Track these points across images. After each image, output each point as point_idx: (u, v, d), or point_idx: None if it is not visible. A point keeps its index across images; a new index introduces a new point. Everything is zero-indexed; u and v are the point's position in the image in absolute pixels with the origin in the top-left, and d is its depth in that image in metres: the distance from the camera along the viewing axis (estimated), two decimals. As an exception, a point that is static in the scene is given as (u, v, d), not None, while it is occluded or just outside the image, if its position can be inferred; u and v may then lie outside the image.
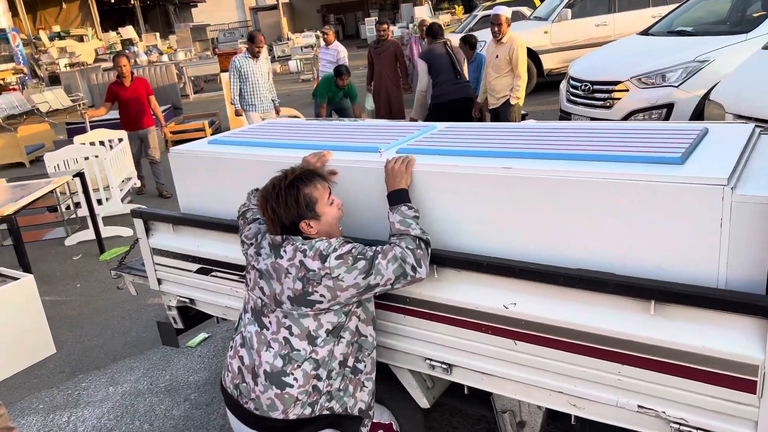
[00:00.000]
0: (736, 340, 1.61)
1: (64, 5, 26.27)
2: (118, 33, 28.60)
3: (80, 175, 5.76)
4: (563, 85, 7.39)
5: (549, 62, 11.14)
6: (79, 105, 16.55)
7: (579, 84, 6.87)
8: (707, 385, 1.67)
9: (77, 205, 6.25)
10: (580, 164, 1.92)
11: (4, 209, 4.41)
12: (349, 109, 8.34)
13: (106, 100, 7.52)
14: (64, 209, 6.41)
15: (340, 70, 7.95)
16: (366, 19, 31.26)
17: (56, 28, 29.06)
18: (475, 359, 2.08)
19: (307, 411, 1.98)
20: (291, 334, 1.97)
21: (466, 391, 2.24)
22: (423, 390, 2.35)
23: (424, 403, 2.34)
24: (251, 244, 2.15)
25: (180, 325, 3.12)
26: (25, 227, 6.35)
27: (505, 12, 6.30)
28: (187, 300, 2.94)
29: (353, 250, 1.95)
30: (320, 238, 1.99)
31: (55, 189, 5.42)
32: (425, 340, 2.19)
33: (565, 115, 7.11)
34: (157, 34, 28.77)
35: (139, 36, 28.55)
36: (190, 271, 2.83)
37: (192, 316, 3.14)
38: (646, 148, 1.95)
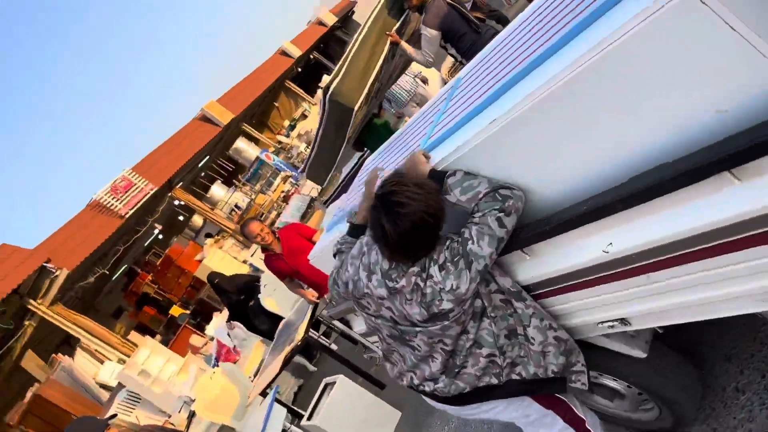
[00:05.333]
0: None
1: (276, 103, 29.13)
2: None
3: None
4: None
5: None
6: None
7: None
8: None
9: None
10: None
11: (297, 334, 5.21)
12: None
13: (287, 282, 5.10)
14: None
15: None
16: None
17: (285, 123, 32.72)
18: (632, 305, 1.77)
19: (494, 381, 1.93)
20: (444, 344, 1.92)
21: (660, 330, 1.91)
22: (628, 342, 2.05)
23: (638, 353, 2.04)
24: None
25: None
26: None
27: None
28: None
29: (447, 254, 1.80)
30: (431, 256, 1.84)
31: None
32: (584, 308, 1.93)
33: None
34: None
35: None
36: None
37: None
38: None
